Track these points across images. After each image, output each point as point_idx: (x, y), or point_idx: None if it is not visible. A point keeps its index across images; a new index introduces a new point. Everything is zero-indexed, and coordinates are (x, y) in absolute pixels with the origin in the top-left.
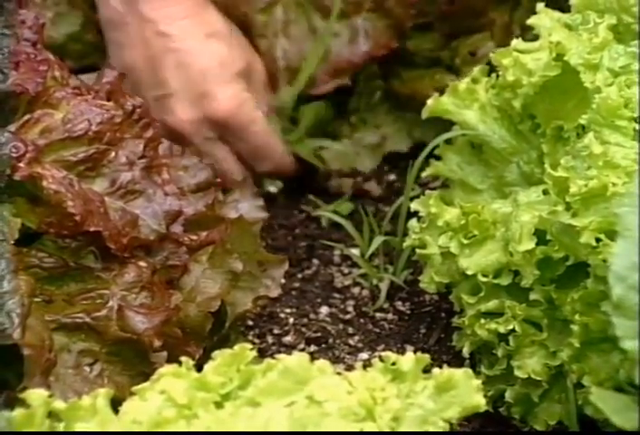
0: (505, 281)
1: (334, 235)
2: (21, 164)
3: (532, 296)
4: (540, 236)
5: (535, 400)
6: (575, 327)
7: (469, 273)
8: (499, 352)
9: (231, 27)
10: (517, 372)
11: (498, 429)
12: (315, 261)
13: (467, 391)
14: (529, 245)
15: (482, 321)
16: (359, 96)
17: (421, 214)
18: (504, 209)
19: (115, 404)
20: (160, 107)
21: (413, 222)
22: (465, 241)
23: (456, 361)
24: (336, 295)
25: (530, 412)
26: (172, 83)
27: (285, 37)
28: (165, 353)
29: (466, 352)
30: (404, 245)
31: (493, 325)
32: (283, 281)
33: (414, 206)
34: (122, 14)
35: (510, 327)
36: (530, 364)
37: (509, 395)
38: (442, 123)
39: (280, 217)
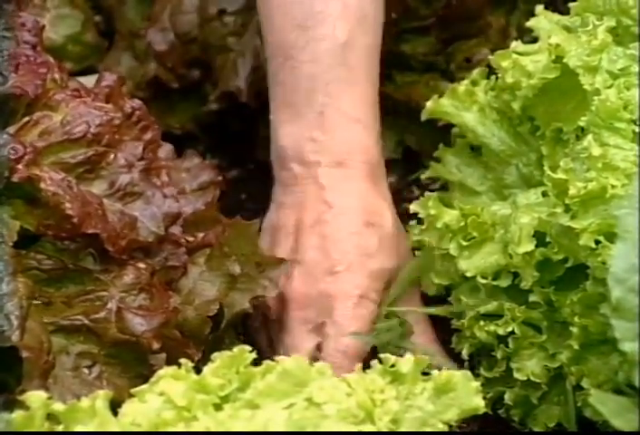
0: (504, 283)
1: None
2: (19, 166)
3: (531, 298)
4: (540, 238)
5: (534, 402)
6: (574, 329)
7: (468, 275)
8: (499, 354)
9: (398, 224)
10: (516, 375)
11: (497, 431)
12: None
13: (466, 393)
14: (529, 246)
15: (481, 323)
16: None
17: (420, 216)
18: (503, 211)
19: (114, 406)
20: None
21: (413, 224)
22: (464, 243)
23: (455, 363)
24: None
25: (529, 414)
26: (307, 252)
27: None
28: (164, 355)
29: (465, 354)
30: None
31: (492, 327)
32: None
33: (413, 207)
34: (297, 176)
35: (510, 329)
36: (530, 366)
37: (508, 397)
38: (437, 130)
39: None
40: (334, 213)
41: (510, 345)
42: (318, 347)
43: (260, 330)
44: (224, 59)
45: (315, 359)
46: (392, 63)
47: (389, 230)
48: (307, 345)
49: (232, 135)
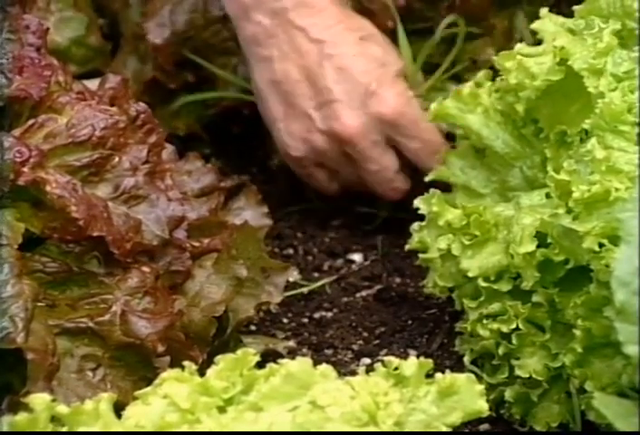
0: (506, 283)
1: (335, 240)
2: (25, 169)
3: (534, 299)
4: (542, 238)
5: (534, 399)
6: (577, 332)
7: (470, 275)
8: (500, 351)
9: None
10: (517, 372)
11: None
12: (321, 266)
13: (470, 396)
14: (530, 247)
15: (484, 321)
16: None
17: (422, 212)
18: (507, 212)
19: (118, 409)
20: (325, 115)
21: (415, 225)
22: (467, 242)
23: (459, 366)
24: (339, 300)
25: (530, 412)
26: (335, 89)
27: None
28: (168, 358)
29: (467, 360)
30: (406, 247)
31: (496, 325)
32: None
33: (417, 203)
34: (268, 28)
35: (513, 326)
36: (531, 364)
37: (508, 394)
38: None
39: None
40: (331, 45)
41: (514, 341)
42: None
43: (315, 171)
44: (224, 62)
45: None
46: None
47: (378, 35)
48: (393, 161)
49: (234, 138)
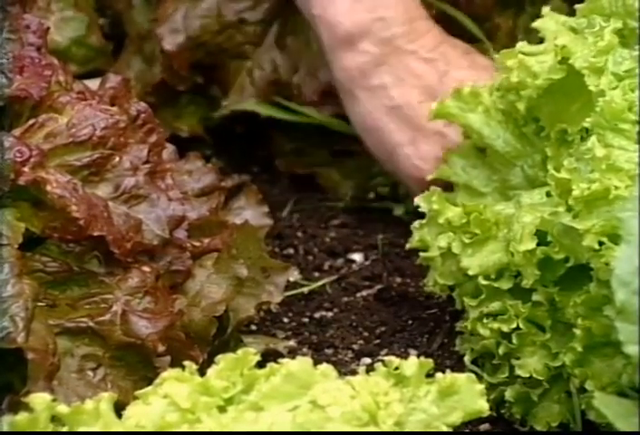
0: (507, 282)
1: (335, 239)
2: (25, 168)
3: (535, 298)
4: (542, 237)
5: (534, 399)
6: (578, 331)
7: (470, 273)
8: (501, 350)
9: None
10: (518, 371)
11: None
12: (321, 265)
13: (470, 395)
14: (530, 245)
15: (485, 321)
16: None
17: (422, 210)
18: (507, 211)
19: (118, 409)
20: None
21: (416, 223)
22: (467, 240)
23: (459, 365)
24: (340, 300)
25: (530, 412)
26: None
27: (278, 49)
28: (168, 358)
29: (467, 360)
30: (407, 246)
31: (496, 325)
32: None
33: (417, 201)
34: (377, 56)
35: (514, 326)
36: (531, 364)
37: (508, 394)
38: None
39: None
40: (443, 62)
41: (514, 341)
42: None
43: None
44: (238, 66)
45: None
46: None
47: (471, 47)
48: None
49: (236, 137)
